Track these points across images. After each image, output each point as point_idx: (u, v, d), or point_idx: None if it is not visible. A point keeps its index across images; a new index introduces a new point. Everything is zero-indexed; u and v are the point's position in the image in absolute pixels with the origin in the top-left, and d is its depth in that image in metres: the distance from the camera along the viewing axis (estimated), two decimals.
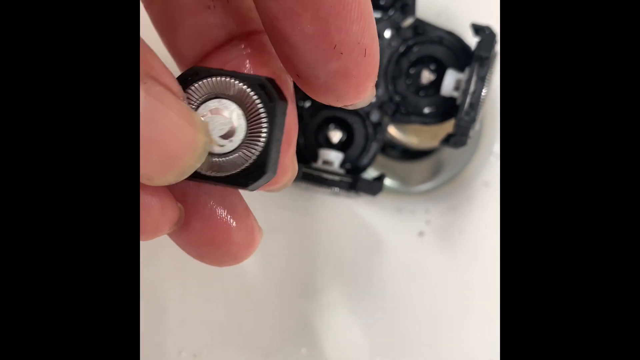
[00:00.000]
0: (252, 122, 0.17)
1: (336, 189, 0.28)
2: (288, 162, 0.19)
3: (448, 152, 0.36)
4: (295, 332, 0.34)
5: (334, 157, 0.28)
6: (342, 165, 0.29)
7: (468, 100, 0.26)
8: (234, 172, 0.17)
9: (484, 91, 0.26)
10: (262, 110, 0.17)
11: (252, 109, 0.17)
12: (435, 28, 0.28)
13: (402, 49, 0.28)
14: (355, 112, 0.29)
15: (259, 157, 0.17)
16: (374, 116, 0.29)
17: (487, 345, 0.33)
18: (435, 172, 0.36)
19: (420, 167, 0.36)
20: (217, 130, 0.17)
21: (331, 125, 0.29)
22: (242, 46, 0.19)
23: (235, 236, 0.18)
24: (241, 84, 0.17)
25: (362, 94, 0.18)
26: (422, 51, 0.28)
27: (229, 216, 0.18)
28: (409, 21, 0.28)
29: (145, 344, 0.34)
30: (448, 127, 0.28)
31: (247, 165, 0.17)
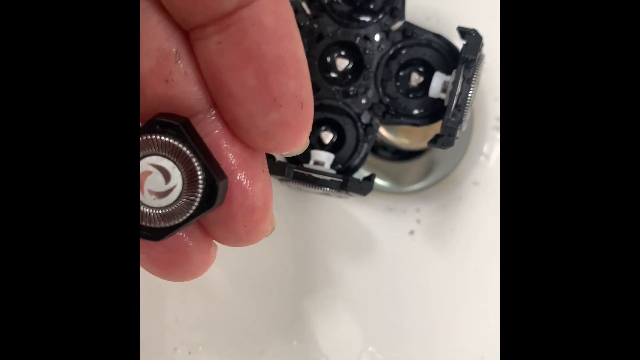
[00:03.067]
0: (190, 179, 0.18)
1: (327, 189, 0.28)
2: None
3: (439, 152, 0.36)
4: (289, 328, 0.35)
5: (326, 158, 0.29)
6: (334, 165, 0.29)
7: (455, 101, 0.26)
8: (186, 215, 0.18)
9: (470, 93, 0.27)
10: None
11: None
12: (424, 31, 0.29)
13: (391, 51, 0.29)
14: (347, 114, 0.29)
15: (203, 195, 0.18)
16: (365, 118, 0.29)
17: (478, 339, 0.34)
18: (427, 172, 0.37)
19: (412, 167, 0.37)
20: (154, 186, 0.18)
21: (323, 127, 0.30)
22: (214, 119, 0.19)
23: (194, 257, 0.20)
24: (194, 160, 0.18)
25: (298, 142, 0.19)
26: (411, 54, 0.29)
27: (187, 238, 0.20)
28: (398, 24, 0.29)
29: (141, 340, 0.34)
30: (438, 128, 0.28)
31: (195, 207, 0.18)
